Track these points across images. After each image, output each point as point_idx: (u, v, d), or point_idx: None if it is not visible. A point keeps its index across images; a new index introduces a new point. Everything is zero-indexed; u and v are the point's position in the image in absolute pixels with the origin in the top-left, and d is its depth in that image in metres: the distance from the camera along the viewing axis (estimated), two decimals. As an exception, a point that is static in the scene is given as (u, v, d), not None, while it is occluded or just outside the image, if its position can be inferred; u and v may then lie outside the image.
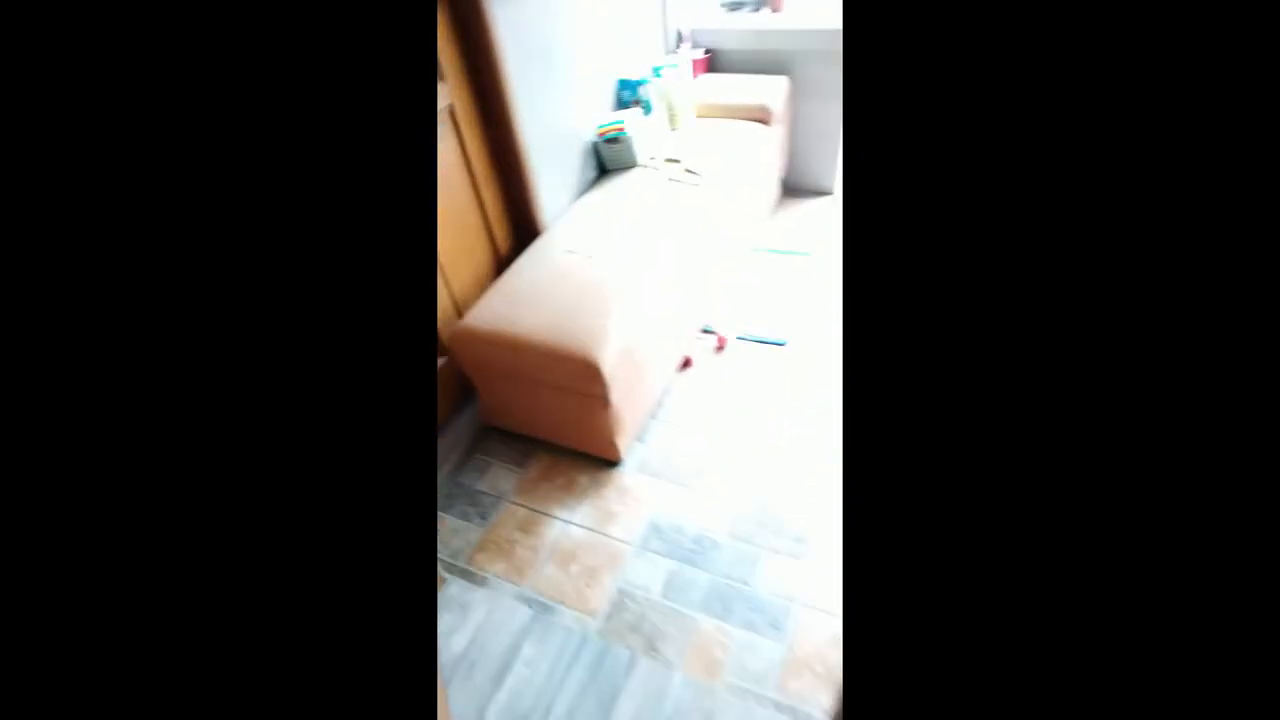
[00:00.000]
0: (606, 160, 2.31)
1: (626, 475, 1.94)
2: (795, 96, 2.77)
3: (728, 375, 2.20)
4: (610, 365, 1.65)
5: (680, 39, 2.76)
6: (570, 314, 1.72)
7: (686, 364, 2.24)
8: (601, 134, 2.23)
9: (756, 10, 2.97)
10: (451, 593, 1.68)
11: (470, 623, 1.60)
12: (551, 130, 2.08)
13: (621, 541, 1.77)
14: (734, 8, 2.99)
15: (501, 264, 2.10)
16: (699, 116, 2.63)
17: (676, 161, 2.27)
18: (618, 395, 1.73)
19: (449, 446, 2.03)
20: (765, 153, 2.56)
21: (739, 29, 2.75)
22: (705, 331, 2.35)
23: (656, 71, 2.43)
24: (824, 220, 2.88)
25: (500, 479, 1.97)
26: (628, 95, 2.35)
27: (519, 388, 1.86)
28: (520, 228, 2.14)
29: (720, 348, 2.29)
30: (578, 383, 1.69)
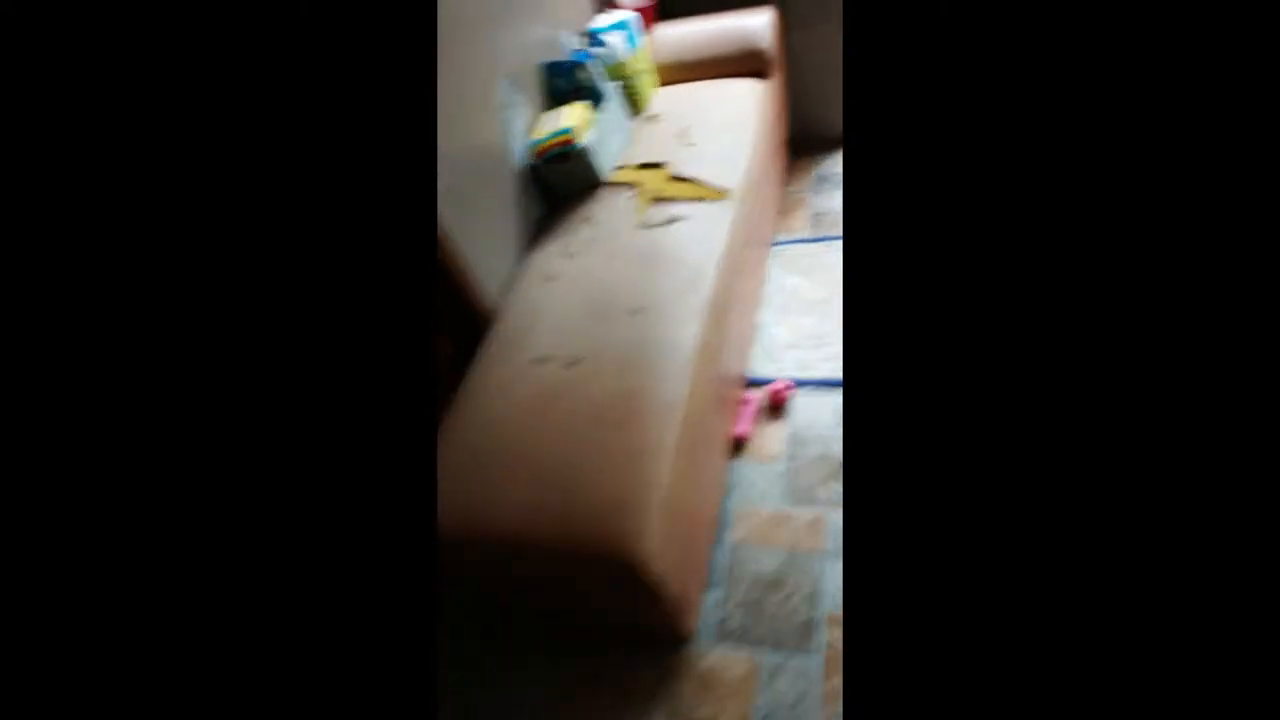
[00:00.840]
0: (557, 186, 1.60)
1: (703, 653, 1.32)
2: (788, 31, 2.03)
3: (797, 445, 1.56)
4: (658, 547, 1.01)
5: (613, -16, 2.00)
6: (574, 474, 1.07)
7: (739, 443, 1.59)
8: (542, 151, 1.52)
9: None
10: None
11: None
12: (468, 161, 1.37)
13: (729, 777, 1.17)
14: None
15: (439, 387, 1.42)
16: (665, 84, 1.91)
17: (658, 167, 1.57)
18: (674, 574, 1.09)
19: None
20: (769, 116, 1.85)
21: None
22: (752, 384, 1.70)
23: (596, 38, 1.69)
24: (855, 180, 2.18)
25: (525, 692, 1.35)
26: (563, 84, 1.63)
27: (520, 587, 1.22)
28: (454, 320, 1.45)
29: (777, 403, 1.64)
30: (613, 587, 1.05)
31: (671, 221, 1.44)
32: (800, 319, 1.83)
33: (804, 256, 2.00)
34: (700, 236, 1.41)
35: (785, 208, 2.18)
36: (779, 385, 1.64)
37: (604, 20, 1.76)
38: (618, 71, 1.69)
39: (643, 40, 1.81)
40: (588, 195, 1.58)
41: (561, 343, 1.27)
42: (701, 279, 1.34)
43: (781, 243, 2.06)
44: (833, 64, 2.11)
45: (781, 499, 1.50)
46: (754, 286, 1.80)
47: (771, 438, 1.61)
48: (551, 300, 1.37)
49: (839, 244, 1.98)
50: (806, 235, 2.07)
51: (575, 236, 1.49)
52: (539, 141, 1.52)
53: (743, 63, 1.85)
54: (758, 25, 1.86)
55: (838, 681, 1.22)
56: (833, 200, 2.14)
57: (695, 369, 1.21)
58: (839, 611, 1.30)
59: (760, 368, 1.74)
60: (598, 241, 1.45)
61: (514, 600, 1.31)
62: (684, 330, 1.25)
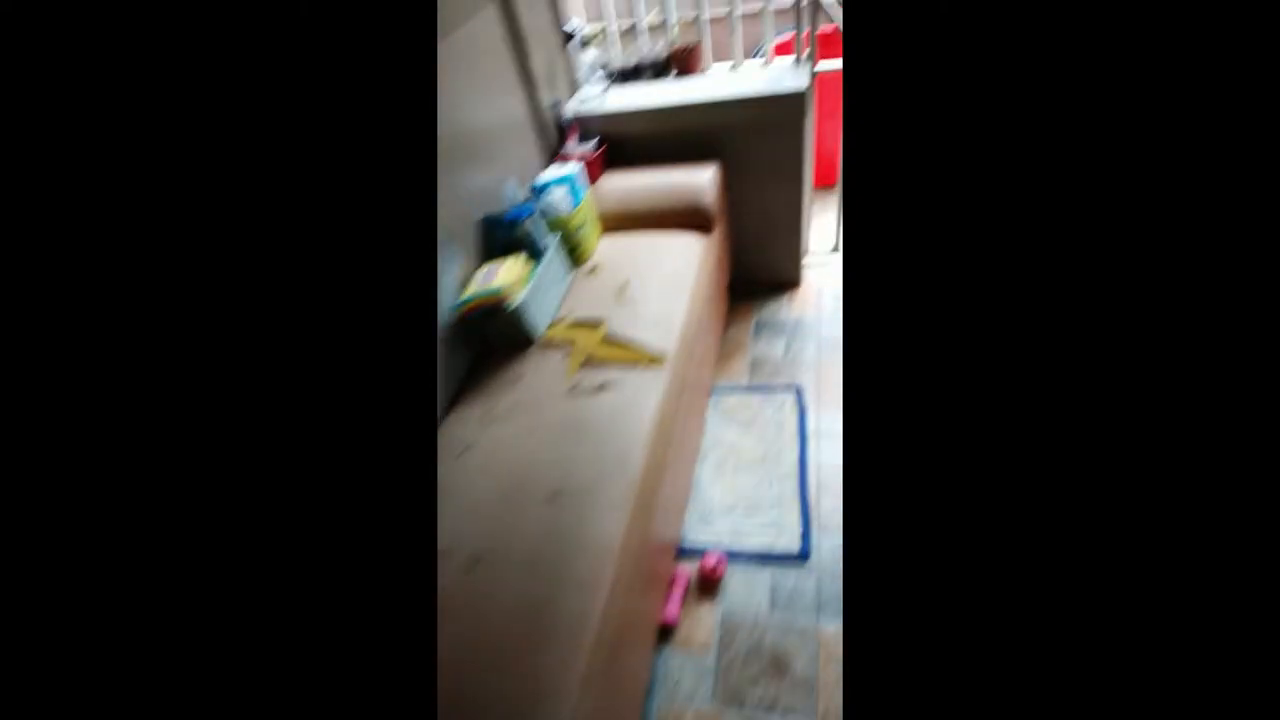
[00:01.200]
0: (486, 341, 1.52)
1: None
2: (731, 183, 2.10)
3: (728, 632, 1.43)
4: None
5: (563, 132, 2.04)
6: (478, 704, 0.91)
7: (666, 628, 1.45)
8: (470, 310, 1.44)
9: (657, 77, 2.30)
10: None
11: None
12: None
13: None
14: (623, 79, 2.32)
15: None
16: (608, 231, 1.90)
17: (596, 327, 1.51)
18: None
19: None
20: (710, 269, 1.85)
21: (639, 108, 2.06)
22: (681, 553, 1.58)
23: (540, 192, 1.68)
24: (799, 327, 2.19)
25: None
26: (502, 237, 1.59)
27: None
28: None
29: (710, 578, 1.52)
30: None
31: (601, 389, 1.36)
32: (737, 478, 1.75)
33: (742, 407, 1.95)
34: (631, 406, 1.33)
35: (725, 353, 2.16)
36: (711, 560, 1.53)
37: (550, 173, 1.76)
38: (559, 225, 1.67)
39: (587, 193, 1.81)
40: (518, 352, 1.50)
41: (465, 533, 1.14)
42: (630, 458, 1.24)
43: (721, 390, 2.02)
44: (774, 213, 2.18)
45: (709, 699, 1.35)
46: (691, 440, 1.73)
47: (701, 622, 1.47)
48: (462, 477, 1.24)
49: (777, 395, 1.96)
50: (745, 383, 2.04)
51: (499, 400, 1.39)
52: (468, 299, 1.44)
53: (686, 217, 1.87)
54: (701, 182, 1.90)
55: None
56: (773, 347, 2.14)
57: (616, 570, 1.09)
58: None
59: (694, 533, 1.64)
60: (521, 407, 1.36)
61: None
62: (606, 521, 1.14)
